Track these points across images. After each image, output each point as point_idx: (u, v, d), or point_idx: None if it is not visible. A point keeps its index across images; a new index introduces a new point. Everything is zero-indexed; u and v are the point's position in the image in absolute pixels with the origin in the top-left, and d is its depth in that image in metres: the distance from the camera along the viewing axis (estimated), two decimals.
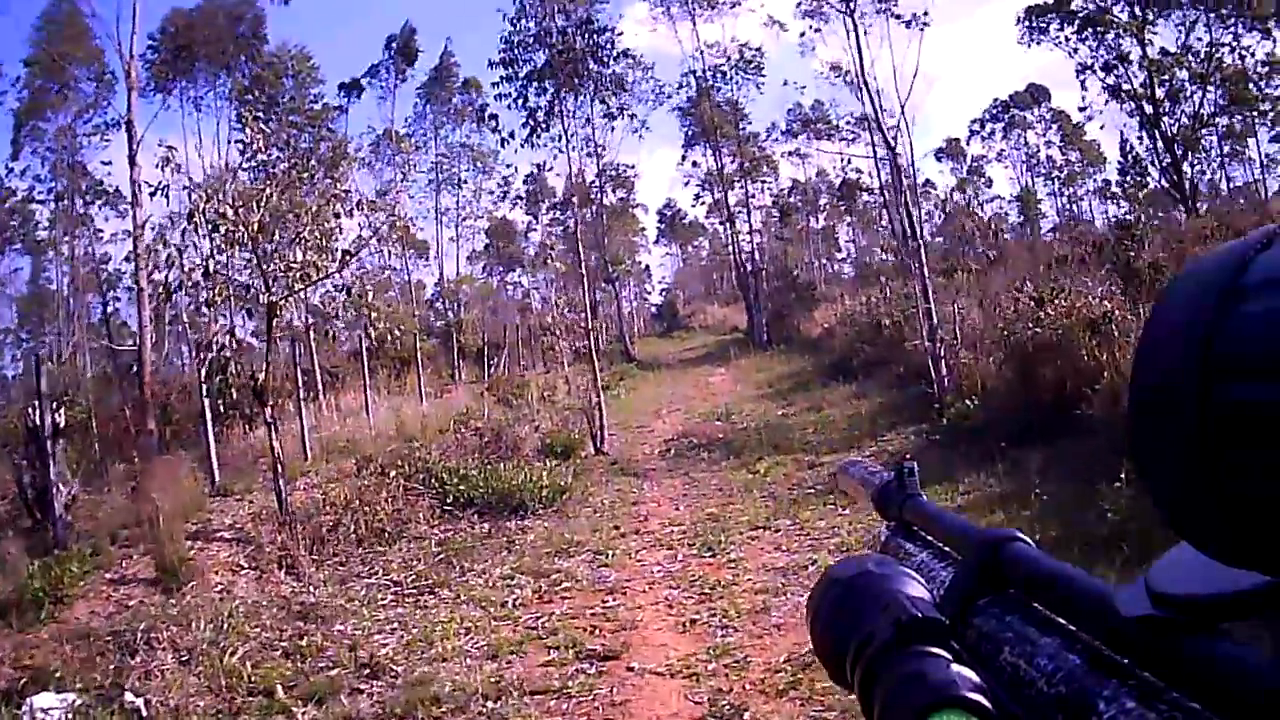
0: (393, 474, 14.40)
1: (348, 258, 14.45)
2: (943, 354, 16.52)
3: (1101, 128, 48.84)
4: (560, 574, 10.61)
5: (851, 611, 0.84)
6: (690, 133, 52.52)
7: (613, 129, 42.36)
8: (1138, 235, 19.15)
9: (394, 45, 48.85)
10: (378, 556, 11.82)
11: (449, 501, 13.81)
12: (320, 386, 28.48)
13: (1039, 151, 60.41)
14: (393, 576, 11.04)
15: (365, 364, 24.85)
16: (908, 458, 1.31)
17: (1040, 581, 0.81)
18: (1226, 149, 46.81)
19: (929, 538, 1.12)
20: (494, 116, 38.77)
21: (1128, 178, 55.29)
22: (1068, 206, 60.83)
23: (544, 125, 30.94)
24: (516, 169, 48.96)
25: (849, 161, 56.40)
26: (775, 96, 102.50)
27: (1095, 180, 58.81)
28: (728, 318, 53.26)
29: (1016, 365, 14.15)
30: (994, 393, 14.45)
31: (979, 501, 11.02)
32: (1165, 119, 39.27)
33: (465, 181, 50.77)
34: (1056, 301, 14.35)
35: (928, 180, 55.66)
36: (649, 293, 71.31)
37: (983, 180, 61.63)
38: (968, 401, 14.72)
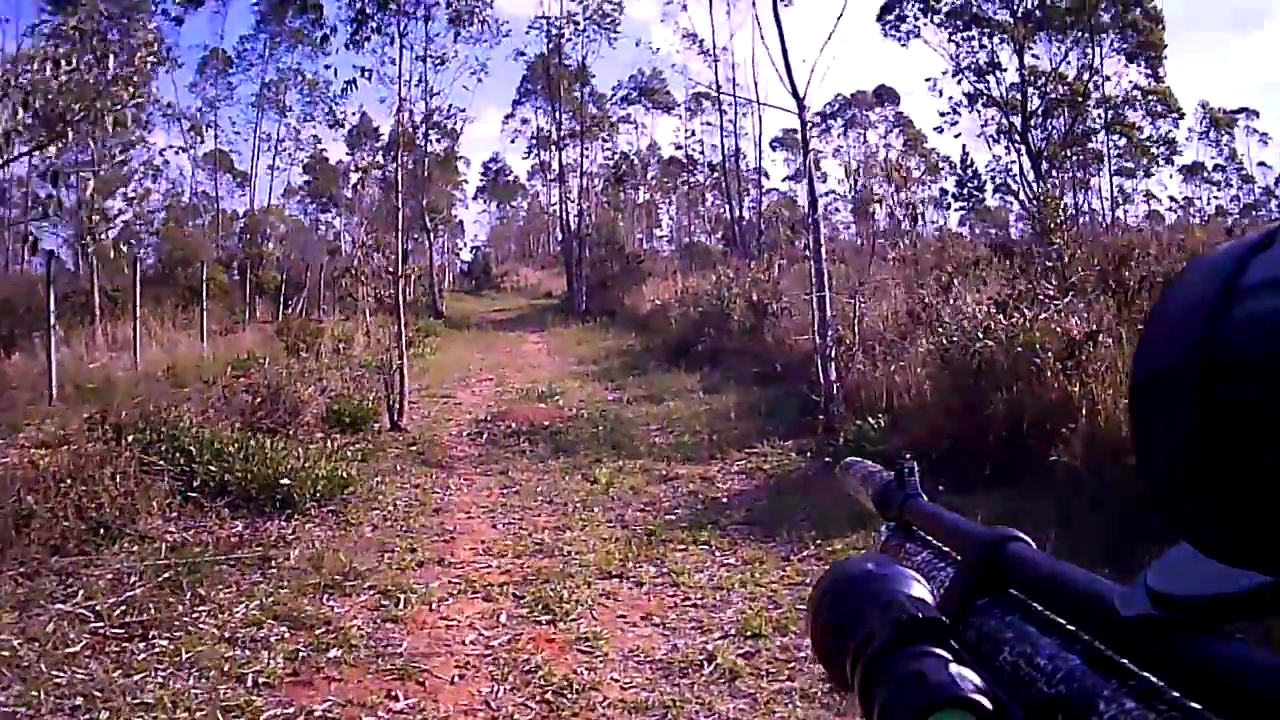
0: (129, 438, 10.51)
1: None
2: (833, 356, 13.19)
3: (957, 135, 46.54)
4: (328, 628, 6.97)
5: (851, 611, 0.81)
6: (526, 88, 49.42)
7: (444, 66, 38.41)
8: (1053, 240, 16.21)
9: None
10: (81, 568, 7.92)
11: (195, 485, 10.05)
12: (98, 311, 24.20)
13: (878, 152, 59.17)
14: (96, 604, 7.11)
15: (136, 289, 20.34)
16: (907, 456, 1.33)
17: (1040, 581, 0.80)
18: (1080, 175, 45.24)
19: (929, 538, 1.10)
20: (318, 6, 34.10)
21: (965, 189, 54.38)
22: (896, 213, 59.42)
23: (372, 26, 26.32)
24: (345, 106, 44.36)
25: (691, 134, 54.15)
26: (621, 61, 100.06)
27: (931, 189, 58.04)
28: (543, 282, 50.27)
29: (952, 385, 10.99)
30: (916, 415, 11.26)
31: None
32: (1033, 133, 37.45)
33: (291, 108, 46.44)
34: (1020, 312, 11.04)
35: (759, 168, 53.02)
36: (461, 249, 67.48)
37: (818, 174, 60.18)
38: (870, 420, 11.47)
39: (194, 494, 9.85)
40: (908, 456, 1.33)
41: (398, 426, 14.36)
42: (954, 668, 0.69)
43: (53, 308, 16.94)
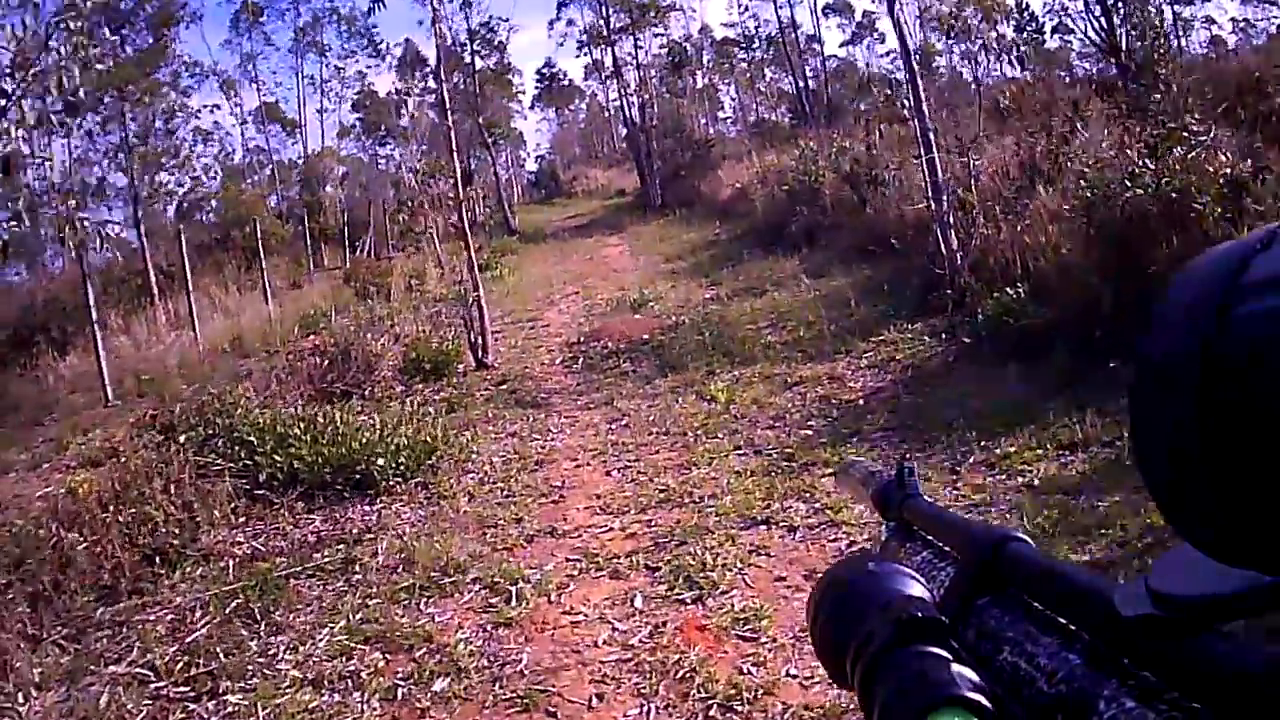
0: (182, 438, 9.38)
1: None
2: (951, 222, 11.58)
3: None
4: (430, 648, 5.65)
5: (851, 611, 0.80)
6: None
7: None
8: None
9: None
10: (136, 614, 6.68)
11: (262, 481, 8.76)
12: (155, 291, 23.16)
13: (932, 5, 56.23)
14: (154, 658, 5.87)
15: (184, 261, 19.09)
16: (907, 456, 1.34)
17: (1040, 581, 0.79)
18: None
19: (929, 537, 1.08)
20: None
21: (1024, 34, 51.71)
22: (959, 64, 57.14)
23: None
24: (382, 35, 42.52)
25: (745, 8, 51.99)
26: None
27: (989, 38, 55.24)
28: (612, 181, 48.42)
29: (1100, 242, 9.27)
30: (1060, 280, 9.54)
31: (1106, 467, 6.46)
32: None
33: (329, 48, 44.90)
34: (1174, 155, 9.35)
35: (813, 36, 50.61)
36: (525, 160, 65.87)
37: (875, 35, 57.88)
38: (1009, 291, 9.81)
39: (261, 490, 8.65)
40: (907, 456, 1.32)
41: (484, 364, 13.02)
42: (954, 667, 0.68)
43: (92, 302, 15.77)
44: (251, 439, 9.19)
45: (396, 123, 43.80)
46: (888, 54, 58.59)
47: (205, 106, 37.74)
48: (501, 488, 8.39)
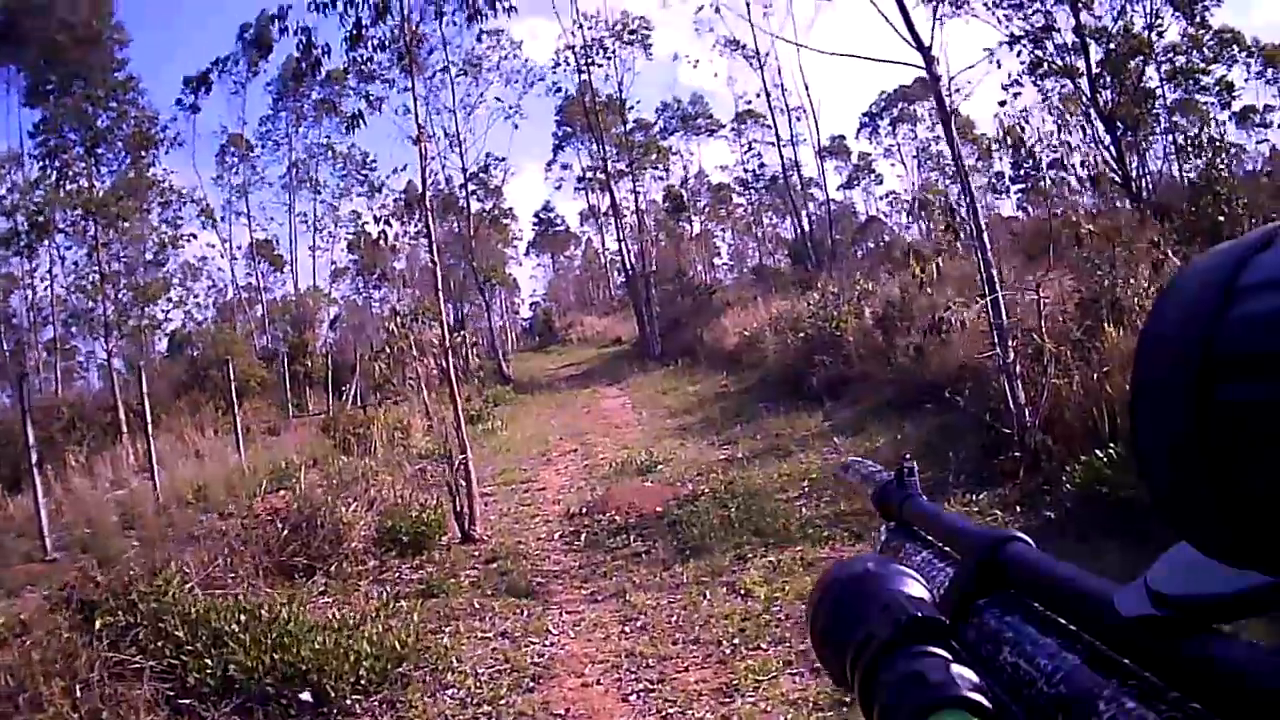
0: (99, 624, 7.39)
1: None
2: (1018, 371, 9.84)
3: (1022, 111, 42.78)
4: None
5: (851, 611, 0.81)
6: (564, 130, 46.62)
7: (473, 116, 35.56)
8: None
9: (247, 34, 41.42)
10: None
11: (190, 687, 6.81)
12: (124, 429, 21.40)
13: (929, 145, 55.89)
14: None
15: (144, 400, 17.28)
16: (906, 456, 1.28)
17: (1040, 581, 0.79)
18: (1174, 137, 41.14)
19: (929, 538, 1.08)
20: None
21: (1021, 170, 50.93)
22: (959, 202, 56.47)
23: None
24: (382, 182, 41.30)
25: (749, 147, 51.24)
26: (657, 88, 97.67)
27: (986, 175, 54.87)
28: (608, 329, 47.07)
29: None
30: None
31: None
32: (1101, 94, 33.74)
33: (325, 185, 43.76)
34: None
35: (811, 179, 49.66)
36: (519, 306, 64.82)
37: (873, 176, 57.40)
38: (1098, 454, 8.04)
39: (188, 700, 6.70)
40: (907, 456, 1.28)
41: (470, 537, 11.08)
42: (954, 668, 0.68)
43: (31, 441, 13.90)
44: (179, 632, 7.29)
45: (391, 265, 42.55)
46: (886, 195, 58.20)
47: (189, 235, 36.04)
48: (488, 714, 6.48)
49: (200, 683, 6.79)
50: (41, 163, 29.13)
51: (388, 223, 12.04)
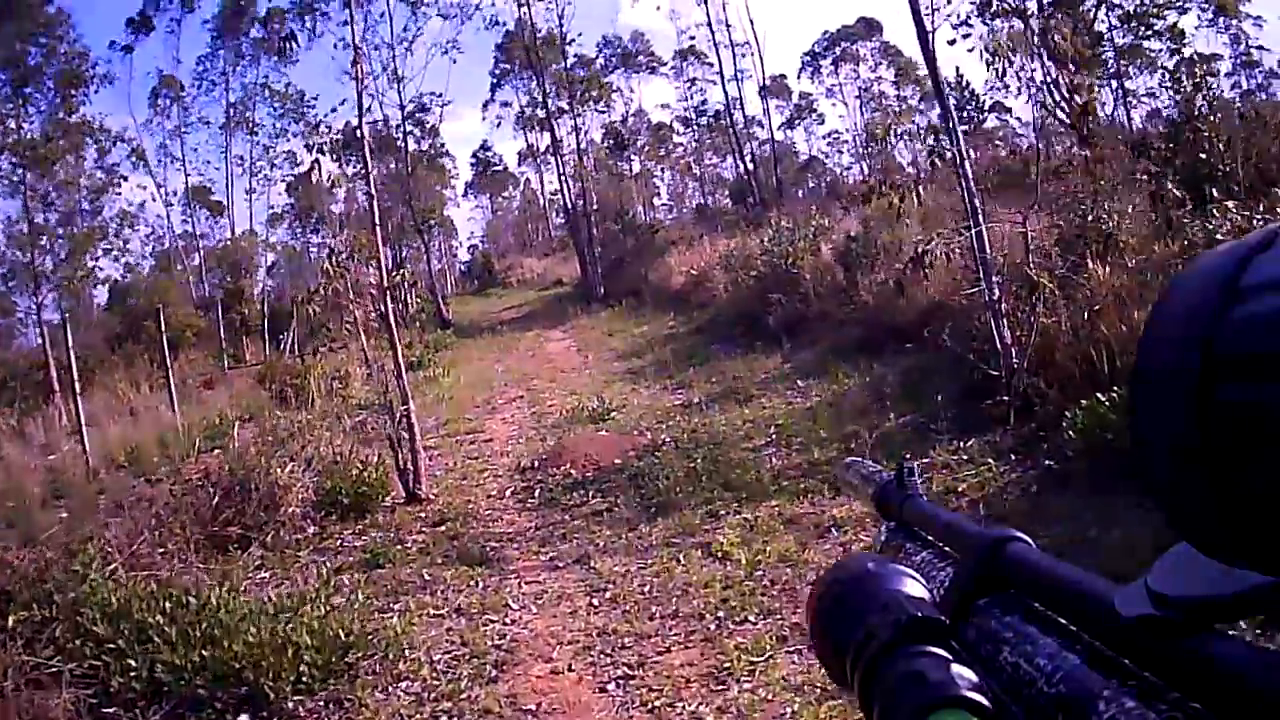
0: (12, 619, 6.57)
1: None
2: (1003, 309, 9.10)
3: (970, 50, 41.76)
4: None
5: (851, 611, 0.79)
6: (503, 67, 45.38)
7: (411, 51, 34.36)
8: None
9: None
10: None
11: (113, 691, 5.98)
12: (56, 388, 20.28)
13: (872, 86, 55.19)
14: None
15: (70, 355, 16.16)
16: (907, 456, 1.31)
17: (1040, 581, 0.78)
18: (1120, 83, 40.45)
19: (929, 537, 1.05)
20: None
21: (964, 112, 50.47)
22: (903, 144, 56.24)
23: None
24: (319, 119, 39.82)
25: (692, 83, 50.32)
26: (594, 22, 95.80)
27: (930, 118, 54.29)
28: (549, 270, 45.93)
29: None
30: None
31: None
32: (1051, 36, 32.93)
33: (261, 125, 42.16)
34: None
35: (752, 118, 48.69)
36: (457, 249, 63.52)
37: (814, 116, 56.60)
38: (1100, 398, 7.35)
39: (110, 709, 5.89)
40: (908, 456, 1.30)
41: (416, 496, 10.20)
42: (954, 667, 0.68)
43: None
44: (99, 628, 6.40)
45: (329, 208, 41.18)
46: (828, 135, 57.42)
47: (119, 178, 34.46)
48: (448, 711, 5.67)
49: (125, 687, 5.93)
50: None
51: (321, 151, 10.85)
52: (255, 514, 9.41)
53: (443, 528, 9.33)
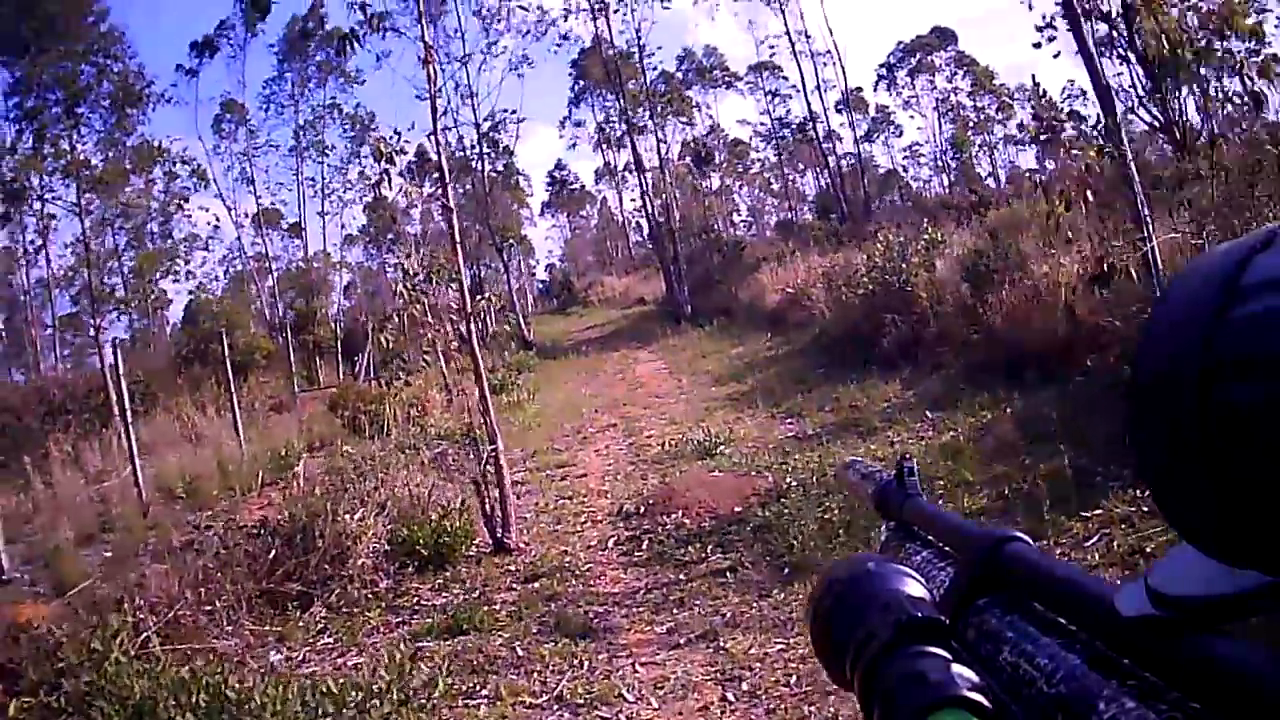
0: (12, 709, 5.60)
1: None
2: None
3: (1056, 55, 39.91)
4: None
5: (851, 611, 0.79)
6: (580, 84, 44.53)
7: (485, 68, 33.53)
8: None
9: None
10: None
11: None
12: (122, 410, 19.37)
13: (949, 97, 53.62)
14: None
15: (120, 385, 15.06)
16: (907, 456, 1.22)
17: (1040, 581, 0.78)
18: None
19: (929, 538, 1.06)
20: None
21: (1044, 121, 48.53)
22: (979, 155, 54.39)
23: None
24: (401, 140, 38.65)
25: (773, 96, 49.26)
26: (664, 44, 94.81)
27: (1007, 128, 52.82)
28: (630, 289, 44.88)
29: None
30: None
31: None
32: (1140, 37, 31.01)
33: (333, 147, 41.39)
34: None
35: (832, 131, 47.21)
36: (535, 269, 62.73)
37: (892, 129, 55.17)
38: None
39: None
40: (907, 456, 1.23)
41: (504, 546, 8.89)
42: (954, 667, 0.68)
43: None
44: (114, 715, 5.16)
45: (405, 229, 40.29)
46: (906, 148, 55.95)
47: (179, 200, 33.77)
48: None
49: None
50: (17, 125, 26.92)
51: (390, 160, 9.58)
52: (319, 566, 8.19)
53: (536, 584, 8.01)
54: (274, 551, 8.27)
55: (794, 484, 9.16)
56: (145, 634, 6.45)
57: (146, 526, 12.07)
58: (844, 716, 5.05)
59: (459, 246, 9.92)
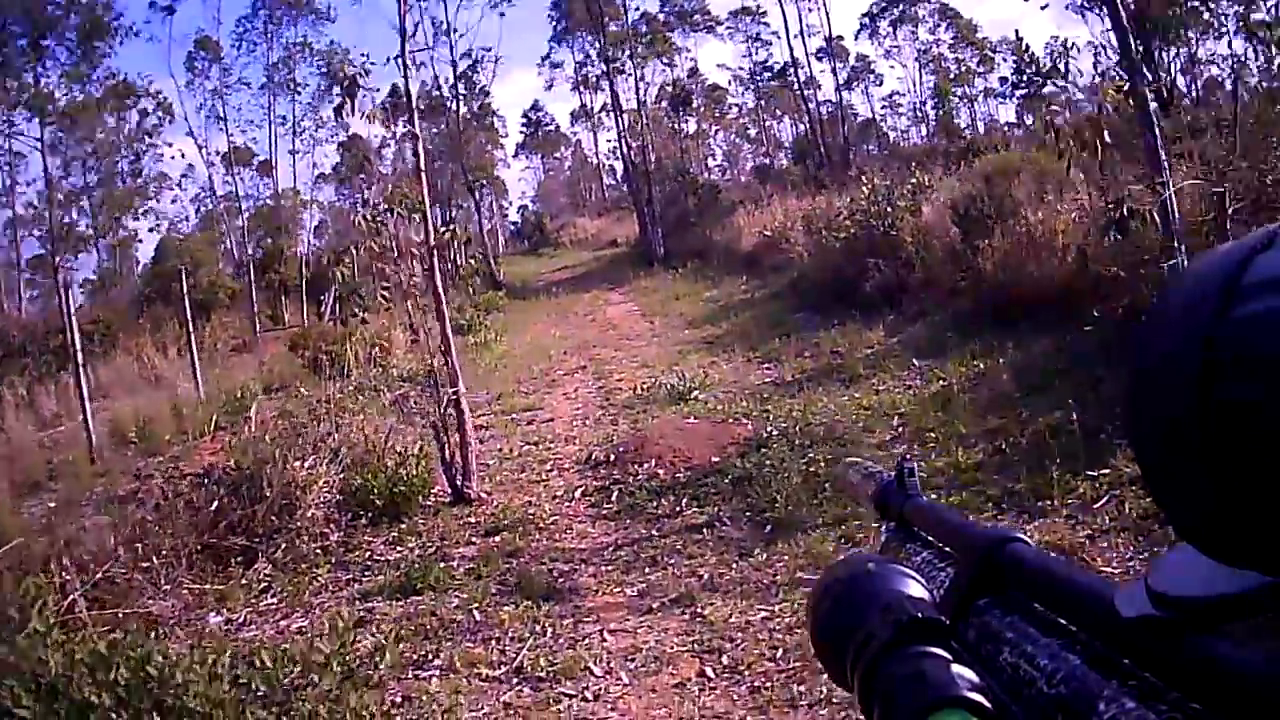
0: None
1: None
2: None
3: (1044, 6, 39.23)
4: None
5: (851, 611, 0.78)
6: (561, 25, 43.57)
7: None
8: None
9: None
10: None
11: None
12: (73, 353, 18.61)
13: (931, 48, 52.87)
14: None
15: (70, 320, 14.36)
16: (907, 457, 1.27)
17: (1040, 582, 0.77)
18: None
19: (929, 538, 1.03)
20: None
21: (1024, 76, 48.19)
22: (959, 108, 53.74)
23: None
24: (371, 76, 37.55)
25: (756, 38, 48.45)
26: None
27: (988, 81, 52.25)
28: (603, 230, 44.22)
29: None
30: None
31: None
32: None
33: (305, 84, 40.26)
34: None
35: (812, 77, 46.29)
36: (508, 210, 61.81)
37: (873, 78, 54.41)
38: None
39: None
40: (908, 457, 1.28)
41: (464, 496, 8.27)
42: (954, 668, 0.67)
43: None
44: (24, 708, 4.51)
45: (378, 169, 39.31)
46: (887, 98, 55.29)
47: (145, 134, 32.80)
48: None
49: None
50: None
51: (353, 84, 8.85)
52: (266, 518, 7.57)
53: (497, 538, 7.42)
54: (218, 502, 7.66)
55: (775, 433, 8.57)
56: (72, 596, 5.84)
57: (96, 474, 11.53)
58: (837, 699, 4.47)
59: (423, 176, 9.20)
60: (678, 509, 7.38)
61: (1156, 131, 7.53)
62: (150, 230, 36.19)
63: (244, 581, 6.97)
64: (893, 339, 11.76)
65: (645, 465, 8.37)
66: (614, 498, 7.94)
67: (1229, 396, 0.48)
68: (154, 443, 12.64)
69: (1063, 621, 0.71)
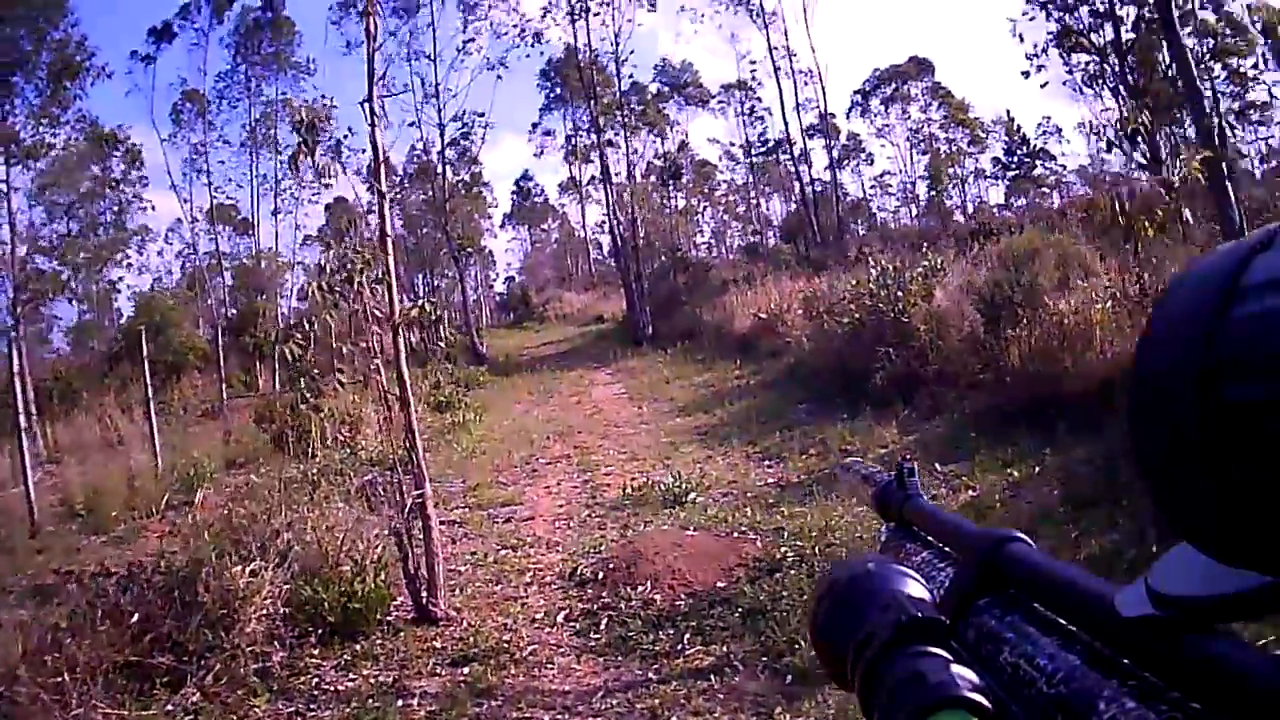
0: None
1: None
2: None
3: (1044, 85, 38.51)
4: None
5: (851, 611, 0.78)
6: (554, 93, 43.20)
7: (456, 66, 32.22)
8: None
9: None
10: None
11: None
12: (30, 411, 17.44)
13: (922, 128, 52.69)
14: None
15: (18, 382, 13.34)
16: (906, 456, 1.23)
17: (1040, 581, 0.77)
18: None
19: (929, 538, 1.05)
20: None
21: (1016, 156, 48.29)
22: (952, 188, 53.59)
23: None
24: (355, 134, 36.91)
25: (751, 111, 48.03)
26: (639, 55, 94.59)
27: (979, 161, 52.26)
28: (589, 306, 43.65)
29: None
30: None
31: None
32: (1131, 74, 29.75)
33: (287, 146, 39.56)
34: None
35: (806, 152, 45.79)
36: (493, 281, 61.19)
37: (863, 156, 54.27)
38: None
39: None
40: (907, 456, 1.24)
41: (428, 614, 7.15)
42: (954, 668, 0.67)
43: None
44: None
45: (364, 233, 38.39)
46: (877, 177, 55.13)
47: (111, 172, 31.95)
48: None
49: None
50: None
51: (310, 129, 7.77)
52: (199, 632, 6.45)
53: (466, 671, 6.28)
54: (146, 609, 6.55)
55: (789, 553, 7.41)
56: None
57: (35, 550, 10.49)
58: None
59: (386, 238, 8.06)
60: (679, 646, 6.23)
61: (1233, 199, 6.59)
62: (121, 281, 35.49)
63: (168, 708, 5.87)
64: (908, 437, 10.71)
65: (639, 588, 7.21)
66: (603, 626, 6.78)
67: (1229, 397, 0.47)
68: (101, 518, 11.70)
69: (1063, 621, 0.71)
